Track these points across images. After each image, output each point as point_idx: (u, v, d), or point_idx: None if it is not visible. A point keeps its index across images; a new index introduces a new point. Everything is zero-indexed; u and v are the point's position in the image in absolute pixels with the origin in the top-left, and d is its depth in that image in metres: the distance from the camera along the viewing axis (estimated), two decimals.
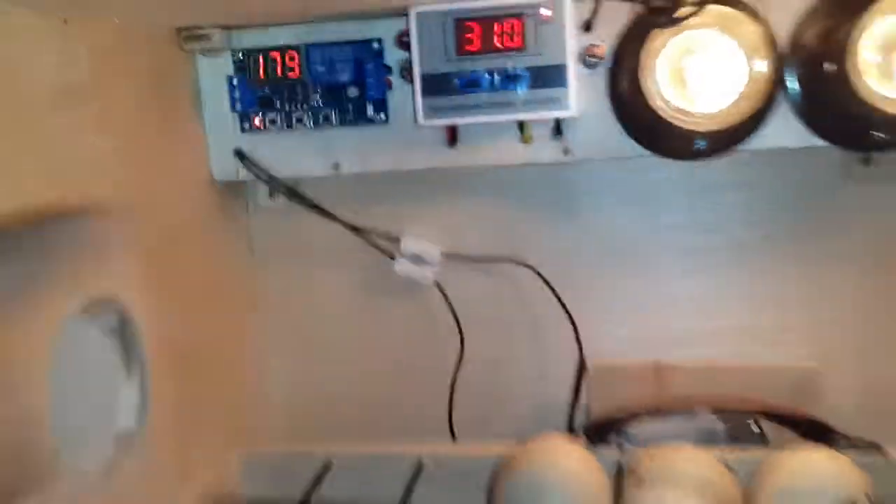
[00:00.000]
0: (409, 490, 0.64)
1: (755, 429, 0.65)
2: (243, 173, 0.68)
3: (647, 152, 0.63)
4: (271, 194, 0.72)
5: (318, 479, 0.66)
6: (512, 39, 0.60)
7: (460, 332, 0.73)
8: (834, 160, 0.66)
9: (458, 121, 0.62)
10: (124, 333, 0.58)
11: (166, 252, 0.61)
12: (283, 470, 0.68)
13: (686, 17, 0.56)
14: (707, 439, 0.65)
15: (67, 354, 0.51)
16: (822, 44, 0.56)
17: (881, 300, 0.72)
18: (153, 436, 0.58)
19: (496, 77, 0.60)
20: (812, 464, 0.57)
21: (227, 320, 0.72)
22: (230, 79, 0.66)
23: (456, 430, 0.75)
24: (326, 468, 0.67)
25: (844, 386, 0.71)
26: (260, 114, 0.66)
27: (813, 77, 0.57)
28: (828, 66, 0.55)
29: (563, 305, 0.72)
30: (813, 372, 0.70)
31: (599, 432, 0.70)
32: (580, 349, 0.73)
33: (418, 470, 0.66)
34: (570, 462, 0.59)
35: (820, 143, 0.61)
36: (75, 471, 0.52)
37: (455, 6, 0.59)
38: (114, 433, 0.57)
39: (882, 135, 0.56)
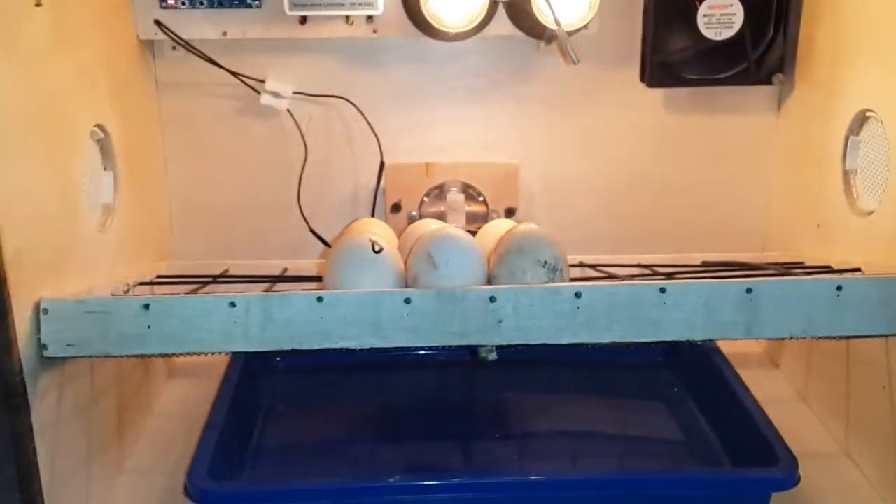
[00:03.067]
0: (275, 282, 0.94)
1: (479, 197, 1.11)
2: (159, 35, 1.02)
3: (423, 34, 1.04)
4: (173, 48, 1.04)
5: (216, 276, 0.96)
6: None
7: (304, 142, 1.08)
8: (529, 42, 1.06)
9: (310, 13, 0.99)
10: (105, 142, 0.91)
11: (120, 89, 0.95)
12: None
13: None
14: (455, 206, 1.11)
15: None
16: None
17: (556, 123, 1.12)
18: (120, 207, 0.93)
19: None
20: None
21: (147, 135, 1.07)
22: None
23: (302, 206, 1.10)
24: (224, 271, 0.99)
25: (532, 173, 1.13)
26: None
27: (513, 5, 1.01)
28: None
29: (370, 125, 1.08)
30: (514, 166, 1.11)
31: (394, 208, 1.12)
32: (381, 153, 1.10)
33: (283, 272, 0.99)
34: (375, 228, 0.91)
35: (520, 33, 1.05)
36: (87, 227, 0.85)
37: None
38: (101, 203, 0.90)
39: (549, 32, 1.02)
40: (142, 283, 0.94)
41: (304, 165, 1.10)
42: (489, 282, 0.76)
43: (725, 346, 1.01)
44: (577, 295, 0.71)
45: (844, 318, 0.72)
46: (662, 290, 0.71)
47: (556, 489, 0.80)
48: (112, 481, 0.89)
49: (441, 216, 1.09)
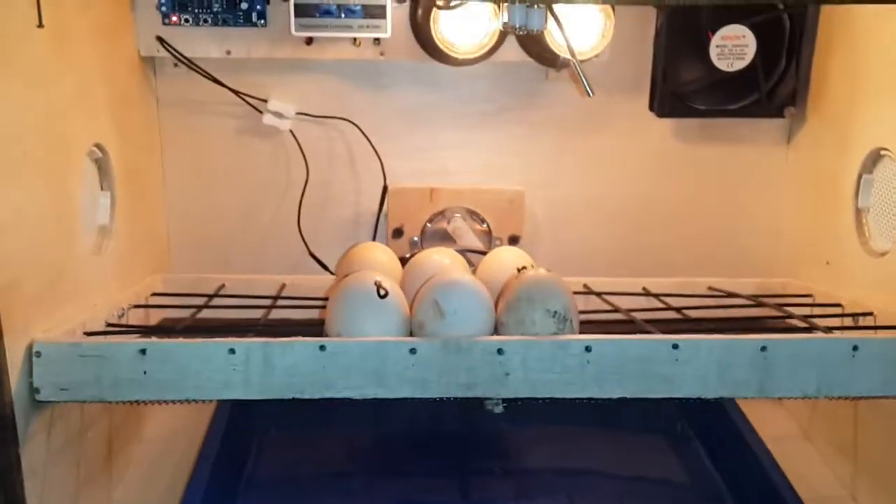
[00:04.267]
0: (273, 304, 0.93)
1: (483, 223, 1.08)
2: (161, 52, 1.00)
3: (432, 59, 1.01)
4: (175, 65, 1.02)
5: (212, 296, 0.96)
6: None
7: (306, 163, 1.06)
8: (538, 68, 1.05)
9: (316, 34, 0.97)
10: (103, 162, 0.89)
11: (120, 106, 0.92)
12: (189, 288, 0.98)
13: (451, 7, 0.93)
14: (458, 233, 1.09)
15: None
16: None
17: (563, 151, 1.10)
18: (116, 229, 0.91)
19: (342, 10, 0.95)
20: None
21: (146, 153, 1.04)
22: None
23: (302, 228, 1.07)
24: (220, 287, 0.98)
25: (537, 201, 1.11)
26: (177, 14, 0.97)
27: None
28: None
29: (374, 148, 1.07)
30: (520, 193, 1.09)
31: (395, 233, 1.10)
32: (384, 176, 1.08)
33: (281, 289, 0.98)
34: (378, 254, 0.93)
35: (530, 60, 1.02)
36: (82, 251, 0.83)
37: None
38: (97, 225, 0.89)
39: (561, 60, 1.00)
40: (136, 306, 0.92)
41: (304, 187, 1.08)
42: (496, 328, 0.73)
43: None
44: (588, 349, 0.69)
45: (859, 379, 0.70)
46: (675, 346, 0.69)
47: None
48: None
49: (444, 243, 1.06)
